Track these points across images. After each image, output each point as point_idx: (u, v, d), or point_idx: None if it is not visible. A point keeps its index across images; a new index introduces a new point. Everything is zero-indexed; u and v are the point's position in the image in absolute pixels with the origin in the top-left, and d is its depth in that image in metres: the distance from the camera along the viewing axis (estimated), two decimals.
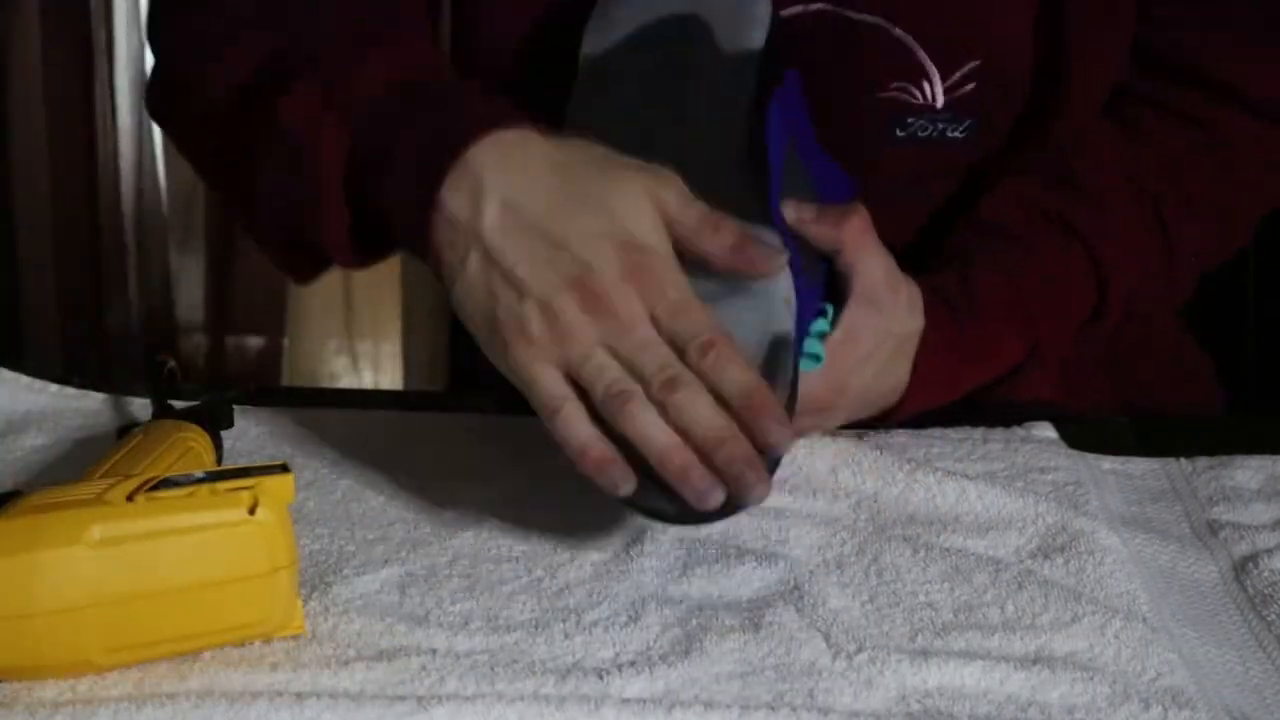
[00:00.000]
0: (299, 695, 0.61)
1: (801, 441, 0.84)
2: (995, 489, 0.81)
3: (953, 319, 0.88)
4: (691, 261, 0.75)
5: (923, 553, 0.76)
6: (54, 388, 0.95)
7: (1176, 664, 0.66)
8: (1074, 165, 0.95)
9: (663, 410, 0.70)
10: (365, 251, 0.84)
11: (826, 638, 0.67)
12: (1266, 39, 0.98)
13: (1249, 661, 0.68)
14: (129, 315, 2.58)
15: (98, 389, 0.95)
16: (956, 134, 0.93)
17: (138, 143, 2.53)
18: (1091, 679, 0.64)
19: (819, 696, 0.63)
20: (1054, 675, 0.64)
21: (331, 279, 2.61)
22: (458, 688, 0.63)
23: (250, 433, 0.90)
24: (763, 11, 0.83)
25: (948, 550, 0.76)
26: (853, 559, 0.75)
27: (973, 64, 0.92)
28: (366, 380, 2.65)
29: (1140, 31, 0.96)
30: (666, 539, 0.76)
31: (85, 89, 2.48)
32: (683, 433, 0.70)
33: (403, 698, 0.61)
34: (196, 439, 0.80)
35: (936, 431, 0.90)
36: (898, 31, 0.91)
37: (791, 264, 0.77)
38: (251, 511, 0.63)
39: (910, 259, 0.87)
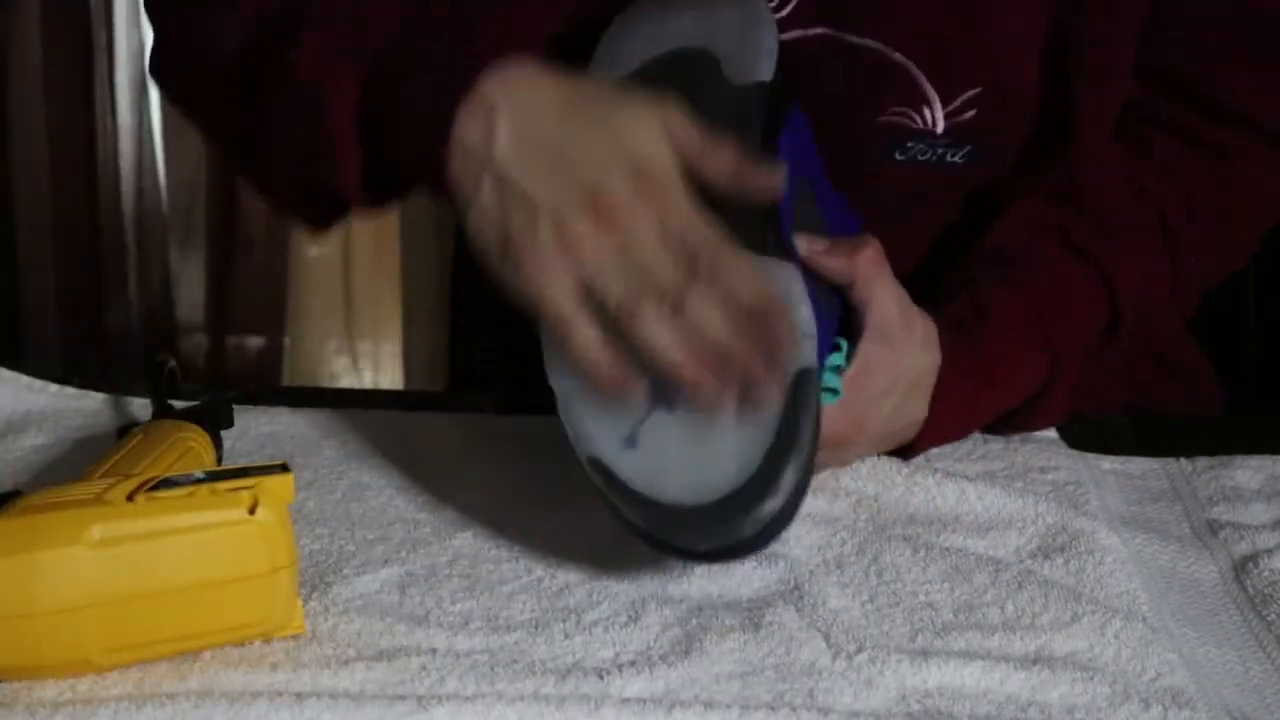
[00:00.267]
0: (299, 695, 0.61)
1: None
2: (995, 489, 0.81)
3: (969, 346, 0.87)
4: None
5: (923, 553, 0.76)
6: (54, 388, 0.95)
7: (1176, 664, 0.66)
8: (1082, 186, 0.94)
9: (674, 320, 0.72)
10: (379, 191, 0.85)
11: (826, 638, 0.67)
12: None
13: (1249, 661, 0.68)
14: (129, 315, 2.58)
15: (98, 389, 0.95)
16: (956, 159, 0.92)
17: (138, 142, 2.53)
18: (1091, 679, 0.64)
19: (819, 696, 0.63)
20: (1054, 675, 0.64)
21: (331, 279, 2.61)
22: (458, 688, 0.63)
23: (250, 433, 0.90)
24: (770, 43, 0.83)
25: (948, 550, 0.76)
26: (853, 559, 0.75)
27: (973, 91, 0.91)
28: (366, 380, 2.65)
29: (1154, 56, 0.95)
30: None
31: (85, 89, 2.48)
32: (694, 341, 0.71)
33: (403, 698, 0.61)
34: (196, 439, 0.80)
35: None
36: (897, 56, 0.90)
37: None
38: (251, 511, 0.63)
39: (912, 282, 0.86)
